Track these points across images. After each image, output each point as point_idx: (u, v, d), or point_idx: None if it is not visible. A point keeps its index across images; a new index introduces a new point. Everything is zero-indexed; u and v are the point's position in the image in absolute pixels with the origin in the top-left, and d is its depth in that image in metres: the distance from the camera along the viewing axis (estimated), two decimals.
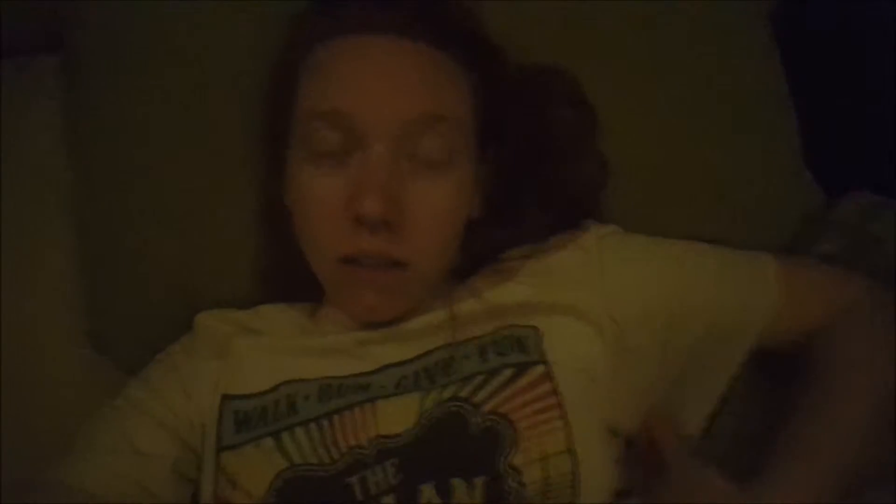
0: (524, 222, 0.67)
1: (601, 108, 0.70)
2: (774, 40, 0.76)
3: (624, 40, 0.72)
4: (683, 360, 0.62)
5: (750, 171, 0.73)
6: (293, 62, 0.61)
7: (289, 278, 0.67)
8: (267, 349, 0.62)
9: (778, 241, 0.72)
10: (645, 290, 0.61)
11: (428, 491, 0.51)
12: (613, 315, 0.60)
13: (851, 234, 0.71)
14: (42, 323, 0.73)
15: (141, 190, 0.69)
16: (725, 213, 0.73)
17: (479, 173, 0.63)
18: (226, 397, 0.59)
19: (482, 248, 0.66)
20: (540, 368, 0.56)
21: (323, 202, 0.57)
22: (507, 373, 0.56)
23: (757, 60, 0.75)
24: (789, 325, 0.62)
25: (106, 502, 0.54)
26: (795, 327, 0.63)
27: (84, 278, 0.73)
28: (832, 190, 0.77)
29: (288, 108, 0.61)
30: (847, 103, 0.81)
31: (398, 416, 0.55)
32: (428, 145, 0.57)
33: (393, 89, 0.56)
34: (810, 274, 0.66)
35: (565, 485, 0.52)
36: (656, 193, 0.72)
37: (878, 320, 0.61)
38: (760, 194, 0.73)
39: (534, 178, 0.68)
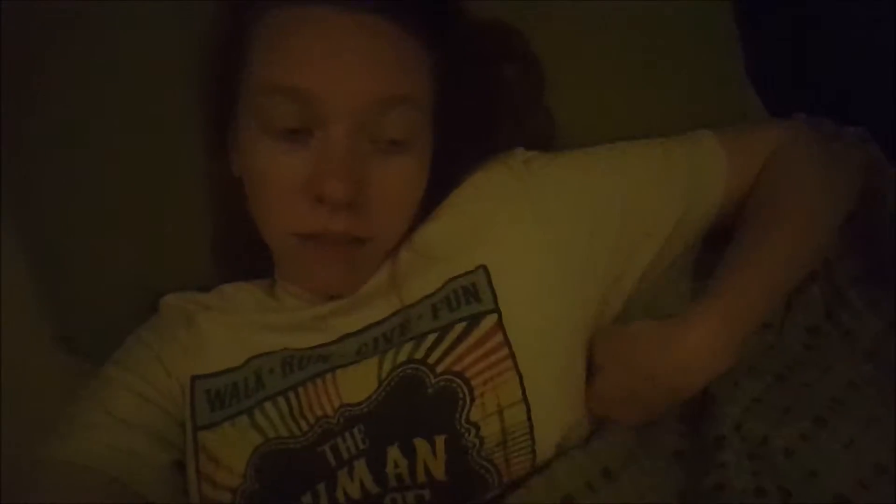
0: (474, 167, 0.67)
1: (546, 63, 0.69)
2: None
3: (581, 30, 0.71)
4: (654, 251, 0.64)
5: (693, 105, 0.72)
6: (243, 24, 0.58)
7: (239, 248, 0.68)
8: (230, 326, 0.63)
9: None
10: (583, 199, 0.62)
11: (394, 452, 0.53)
12: (553, 231, 0.61)
13: None
14: (7, 331, 0.75)
15: (87, 189, 0.70)
16: None
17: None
18: (196, 377, 0.61)
19: (436, 201, 0.65)
20: (492, 318, 0.57)
21: (281, 179, 0.56)
22: (459, 328, 0.57)
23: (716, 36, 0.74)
24: (738, 186, 0.65)
25: (100, 471, 0.56)
26: (742, 187, 0.65)
27: (43, 283, 0.73)
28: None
29: (236, 72, 0.59)
30: (789, 26, 0.80)
31: (359, 384, 0.56)
32: (389, 125, 0.56)
33: (356, 70, 0.54)
34: (743, 136, 0.67)
35: (522, 433, 0.54)
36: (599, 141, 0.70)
37: (802, 155, 0.64)
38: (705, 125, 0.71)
39: (482, 135, 0.68)
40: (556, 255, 0.60)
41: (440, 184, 0.64)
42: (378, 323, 0.60)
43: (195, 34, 0.64)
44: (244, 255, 0.68)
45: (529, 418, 0.54)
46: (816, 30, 0.76)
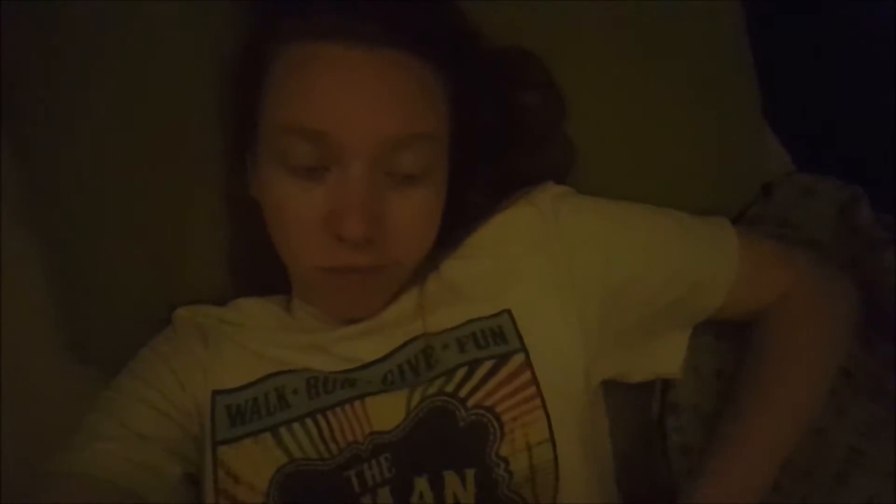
0: (495, 194, 0.67)
1: (565, 91, 0.70)
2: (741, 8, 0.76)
3: (583, 18, 0.71)
4: (647, 324, 0.65)
5: (711, 144, 0.74)
6: (260, 61, 0.58)
7: (257, 266, 0.68)
8: (248, 341, 0.63)
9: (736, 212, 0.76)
10: (607, 253, 0.63)
11: (421, 483, 0.54)
12: (575, 279, 0.62)
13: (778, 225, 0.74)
14: (16, 338, 0.73)
15: (103, 196, 0.69)
16: (690, 186, 0.74)
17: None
18: (216, 392, 0.61)
19: (459, 226, 0.66)
20: (519, 357, 0.58)
21: (300, 216, 0.56)
22: (488, 364, 0.58)
23: (720, 31, 0.75)
24: (745, 294, 0.66)
25: (115, 483, 0.56)
26: (750, 297, 0.66)
27: (55, 289, 0.72)
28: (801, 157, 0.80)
29: (253, 107, 0.59)
30: (813, 68, 0.82)
31: (388, 412, 0.57)
32: (405, 161, 0.56)
33: (371, 109, 0.54)
34: (763, 246, 0.68)
35: (549, 471, 0.56)
36: (620, 172, 0.73)
37: (819, 305, 0.65)
38: (723, 166, 0.75)
39: (500, 162, 0.68)
40: (577, 304, 0.61)
41: (461, 208, 0.65)
42: (400, 348, 0.61)
43: (216, 36, 0.64)
44: (261, 271, 0.68)
45: (556, 459, 0.56)
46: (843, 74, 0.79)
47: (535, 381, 0.57)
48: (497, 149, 0.67)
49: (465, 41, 0.62)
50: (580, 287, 0.61)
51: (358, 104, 0.54)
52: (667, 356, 0.69)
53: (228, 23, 0.64)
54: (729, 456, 0.60)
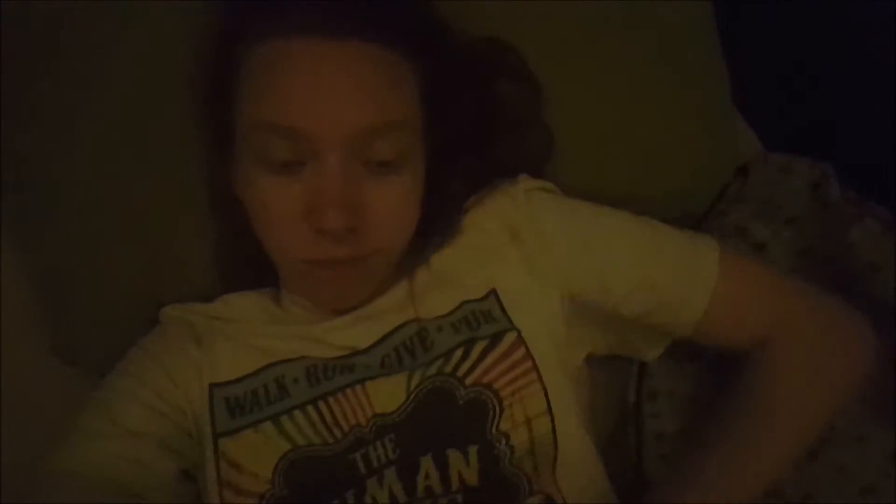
0: (474, 180, 0.68)
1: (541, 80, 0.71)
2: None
3: (558, 7, 0.73)
4: (616, 325, 0.66)
5: (686, 126, 0.76)
6: (231, 61, 0.58)
7: (244, 263, 0.68)
8: (242, 335, 0.63)
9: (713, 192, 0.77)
10: (570, 254, 0.63)
11: (426, 462, 0.55)
12: (546, 269, 0.63)
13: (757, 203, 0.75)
14: (3, 340, 0.73)
15: (87, 197, 0.69)
16: (666, 168, 0.76)
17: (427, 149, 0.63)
18: (213, 385, 0.61)
19: (439, 214, 0.66)
20: (512, 335, 0.60)
21: (280, 210, 0.57)
22: (483, 343, 0.59)
23: (692, 20, 0.77)
24: (721, 326, 0.63)
25: (109, 481, 0.56)
26: (728, 330, 0.64)
27: (41, 291, 0.72)
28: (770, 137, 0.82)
29: (229, 105, 0.59)
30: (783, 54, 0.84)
31: (389, 395, 0.58)
32: (379, 150, 0.57)
33: (341, 101, 0.54)
34: (752, 277, 0.65)
35: (548, 442, 0.57)
36: (596, 158, 0.74)
37: (812, 346, 0.62)
38: (698, 148, 0.77)
39: (478, 151, 0.69)
40: (550, 287, 0.63)
41: (442, 197, 0.65)
42: (393, 332, 0.62)
43: (198, 36, 0.63)
44: (248, 267, 0.68)
45: (554, 430, 0.57)
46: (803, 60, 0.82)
47: (529, 355, 0.59)
48: (474, 137, 0.68)
49: (433, 28, 0.63)
50: (550, 276, 0.63)
51: (327, 98, 0.54)
52: (642, 348, 0.70)
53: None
54: (712, 479, 0.58)
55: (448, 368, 0.58)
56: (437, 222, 0.66)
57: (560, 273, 0.63)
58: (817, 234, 0.73)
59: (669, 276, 0.63)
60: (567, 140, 0.72)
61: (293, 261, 0.60)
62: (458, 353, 0.59)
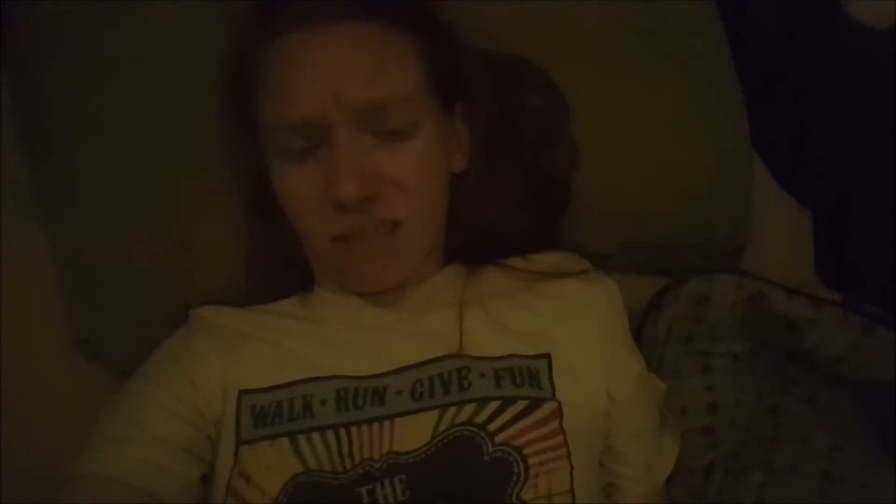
0: (503, 184, 0.69)
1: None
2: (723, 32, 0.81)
3: (583, 38, 0.75)
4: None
5: (700, 155, 0.77)
6: (250, 64, 0.61)
7: (274, 263, 0.68)
8: (275, 342, 0.62)
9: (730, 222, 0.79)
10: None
11: None
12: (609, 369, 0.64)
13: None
14: (25, 335, 0.72)
15: (118, 191, 0.68)
16: (684, 192, 0.77)
17: (453, 127, 0.65)
18: (243, 392, 0.60)
19: (469, 213, 0.67)
20: (552, 405, 0.59)
21: (302, 195, 0.59)
22: (522, 404, 0.58)
23: (708, 54, 0.79)
24: None
25: (135, 486, 0.55)
26: None
27: (66, 286, 0.71)
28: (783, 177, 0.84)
29: (252, 108, 0.62)
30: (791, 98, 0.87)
31: (414, 434, 0.57)
32: (387, 120, 0.58)
33: (343, 81, 0.56)
34: None
35: None
36: (618, 180, 0.75)
37: None
38: (712, 180, 0.78)
39: (510, 155, 0.70)
40: (606, 379, 0.63)
41: (480, 184, 0.66)
42: (431, 362, 0.60)
43: (223, 34, 0.65)
44: (279, 271, 0.68)
45: None
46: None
47: (562, 430, 0.58)
48: (505, 144, 0.69)
49: (426, 4, 0.64)
50: (599, 366, 0.63)
51: (328, 81, 0.56)
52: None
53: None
54: None
55: (480, 419, 0.57)
56: (471, 216, 0.67)
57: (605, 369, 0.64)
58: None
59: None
60: (590, 158, 0.74)
61: (323, 243, 0.60)
62: (494, 405, 0.58)
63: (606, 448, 0.65)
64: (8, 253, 0.72)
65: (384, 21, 0.59)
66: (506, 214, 0.69)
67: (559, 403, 0.59)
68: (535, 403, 0.58)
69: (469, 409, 0.57)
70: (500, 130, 0.68)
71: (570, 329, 0.63)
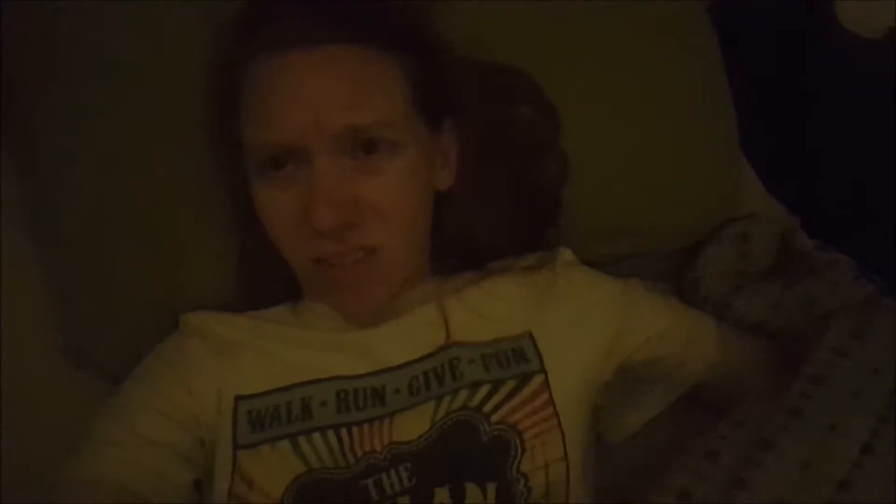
0: (492, 198, 0.69)
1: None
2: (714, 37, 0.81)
3: (571, 41, 0.75)
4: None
5: (690, 165, 0.78)
6: (232, 80, 0.60)
7: (264, 271, 0.68)
8: (270, 347, 0.63)
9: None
10: (610, 323, 0.67)
11: (442, 494, 0.56)
12: (586, 332, 0.66)
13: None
14: (15, 342, 0.72)
15: (107, 199, 0.68)
16: (668, 203, 0.78)
17: (440, 144, 0.65)
18: (239, 398, 0.61)
19: (456, 229, 0.68)
20: (539, 378, 0.61)
21: (280, 215, 0.59)
22: (511, 384, 0.61)
23: (698, 60, 0.80)
24: (720, 384, 0.70)
25: (129, 490, 0.56)
26: (725, 388, 0.69)
27: (56, 293, 0.71)
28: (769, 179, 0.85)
29: (235, 124, 0.61)
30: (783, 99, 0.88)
31: (413, 425, 0.59)
32: (367, 143, 0.58)
33: (324, 107, 0.56)
34: (739, 345, 0.72)
35: (561, 489, 0.59)
36: (607, 188, 0.76)
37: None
38: (702, 187, 0.79)
39: (499, 169, 0.70)
40: (594, 340, 0.66)
41: (468, 199, 0.67)
42: (425, 357, 0.62)
43: (210, 41, 0.64)
44: (268, 278, 0.68)
45: (568, 477, 0.59)
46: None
47: (551, 401, 0.60)
48: (495, 154, 0.69)
49: (412, 22, 0.63)
50: (588, 341, 0.66)
51: (307, 106, 0.56)
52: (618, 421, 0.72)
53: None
54: None
55: (474, 402, 0.59)
56: (459, 228, 0.67)
57: (598, 336, 0.66)
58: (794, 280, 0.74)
59: (683, 339, 0.69)
60: (581, 170, 0.74)
61: (303, 263, 0.61)
62: (486, 388, 0.60)
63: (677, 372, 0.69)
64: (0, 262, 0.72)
65: (369, 43, 0.58)
66: (494, 228, 0.69)
67: (546, 375, 0.61)
68: (523, 381, 0.61)
69: (462, 395, 0.60)
70: (489, 144, 0.68)
71: (548, 309, 0.65)
